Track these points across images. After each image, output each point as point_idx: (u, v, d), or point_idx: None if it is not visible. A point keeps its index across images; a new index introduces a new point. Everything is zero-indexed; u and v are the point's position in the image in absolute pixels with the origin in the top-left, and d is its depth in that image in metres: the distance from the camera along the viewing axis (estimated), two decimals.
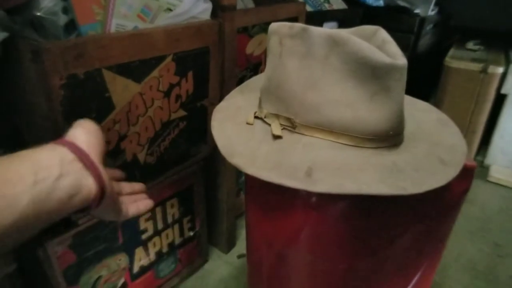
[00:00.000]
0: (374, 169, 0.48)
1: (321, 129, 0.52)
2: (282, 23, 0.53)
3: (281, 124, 0.55)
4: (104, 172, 0.42)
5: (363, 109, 0.50)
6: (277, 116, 0.55)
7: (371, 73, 0.48)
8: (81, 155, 0.40)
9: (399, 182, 0.46)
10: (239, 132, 0.56)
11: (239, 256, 1.10)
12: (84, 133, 0.44)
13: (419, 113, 0.64)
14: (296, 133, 0.54)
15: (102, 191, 0.41)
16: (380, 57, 0.47)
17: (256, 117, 0.58)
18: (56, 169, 0.37)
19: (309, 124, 0.52)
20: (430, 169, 0.49)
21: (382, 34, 0.53)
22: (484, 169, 1.59)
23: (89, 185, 0.40)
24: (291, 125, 0.54)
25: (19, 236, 0.35)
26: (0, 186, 0.32)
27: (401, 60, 0.48)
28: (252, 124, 0.57)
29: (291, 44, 0.52)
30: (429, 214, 0.60)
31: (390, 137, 0.52)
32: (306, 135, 0.53)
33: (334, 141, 0.52)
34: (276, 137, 0.54)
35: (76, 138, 0.42)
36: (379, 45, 0.51)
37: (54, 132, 0.58)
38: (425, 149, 0.53)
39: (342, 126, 0.51)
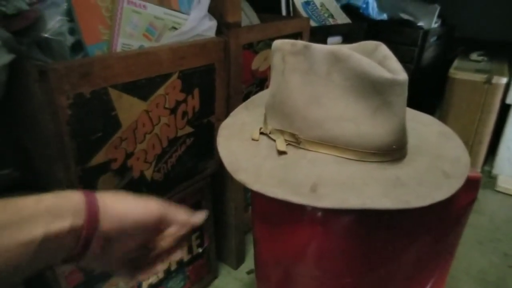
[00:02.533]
0: (378, 183, 0.48)
1: (325, 144, 0.52)
2: (285, 40, 0.54)
3: (286, 140, 0.55)
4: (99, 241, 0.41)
5: (366, 124, 0.50)
6: (281, 132, 0.55)
7: (372, 89, 0.48)
8: (88, 226, 0.39)
9: (402, 196, 0.46)
10: (245, 148, 0.56)
11: (249, 272, 1.10)
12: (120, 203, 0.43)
13: (422, 126, 0.63)
14: (301, 148, 0.54)
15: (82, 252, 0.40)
16: (381, 72, 0.48)
17: (261, 133, 0.58)
18: (62, 239, 0.37)
19: (313, 140, 0.52)
20: (434, 182, 0.49)
21: (383, 49, 0.53)
22: (492, 179, 1.58)
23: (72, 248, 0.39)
24: (296, 141, 0.54)
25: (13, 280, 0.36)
26: (10, 250, 0.33)
27: (402, 75, 0.48)
28: (257, 140, 0.57)
29: (294, 61, 0.52)
30: (435, 226, 0.59)
31: (393, 151, 0.52)
32: (310, 150, 0.53)
33: (338, 156, 0.52)
34: (281, 153, 0.54)
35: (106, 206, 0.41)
36: (380, 61, 0.51)
37: (61, 151, 0.58)
38: (428, 162, 0.53)
39: (346, 141, 0.51)
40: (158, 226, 0.45)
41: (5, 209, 0.35)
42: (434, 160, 0.53)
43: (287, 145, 0.54)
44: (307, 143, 0.53)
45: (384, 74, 0.47)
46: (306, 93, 0.52)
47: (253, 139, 0.58)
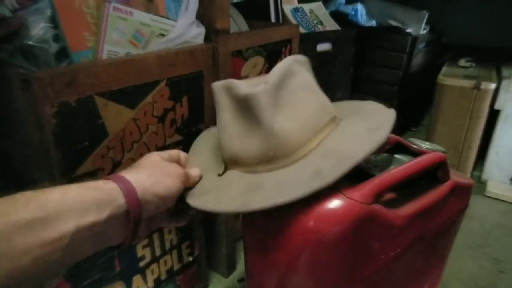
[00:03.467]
0: (235, 189, 0.55)
1: (233, 161, 0.60)
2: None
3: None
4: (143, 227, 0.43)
5: (247, 138, 0.57)
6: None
7: (242, 106, 0.56)
8: (132, 210, 0.40)
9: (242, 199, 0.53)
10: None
11: (240, 280, 1.09)
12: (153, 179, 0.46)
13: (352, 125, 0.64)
14: (229, 169, 0.62)
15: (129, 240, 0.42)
16: (241, 90, 0.55)
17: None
18: (97, 228, 0.36)
19: (226, 159, 0.62)
20: (296, 183, 0.52)
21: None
22: (481, 185, 1.58)
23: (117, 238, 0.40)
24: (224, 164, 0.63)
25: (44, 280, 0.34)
26: (35, 249, 0.32)
27: (259, 87, 0.54)
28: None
29: (219, 100, 0.60)
30: (428, 233, 0.59)
31: (275, 159, 0.56)
32: (230, 169, 0.61)
33: (241, 172, 0.59)
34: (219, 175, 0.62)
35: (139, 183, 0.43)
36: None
37: (46, 161, 0.57)
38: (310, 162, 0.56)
39: (240, 157, 0.58)
40: None
41: (27, 205, 0.33)
42: (319, 159, 0.55)
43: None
44: (226, 163, 0.62)
45: (242, 90, 0.55)
46: (219, 123, 0.61)
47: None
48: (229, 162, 0.61)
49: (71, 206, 0.35)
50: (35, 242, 0.32)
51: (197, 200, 0.56)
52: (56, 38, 0.59)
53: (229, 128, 0.59)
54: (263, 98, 0.54)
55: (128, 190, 0.40)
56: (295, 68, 0.58)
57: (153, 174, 0.47)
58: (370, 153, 0.51)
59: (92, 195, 0.37)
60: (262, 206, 0.49)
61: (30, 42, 0.57)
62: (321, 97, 0.61)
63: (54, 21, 0.58)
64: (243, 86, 0.56)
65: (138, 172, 0.47)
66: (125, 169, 0.51)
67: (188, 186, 0.57)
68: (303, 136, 0.56)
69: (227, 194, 0.55)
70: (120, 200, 0.39)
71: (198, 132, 0.82)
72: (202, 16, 0.77)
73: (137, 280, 0.84)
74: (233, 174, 0.60)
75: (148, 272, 0.86)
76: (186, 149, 0.80)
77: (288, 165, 0.56)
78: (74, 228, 0.34)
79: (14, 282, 0.31)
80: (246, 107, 0.55)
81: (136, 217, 0.40)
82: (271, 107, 0.55)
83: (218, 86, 0.60)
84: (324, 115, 0.59)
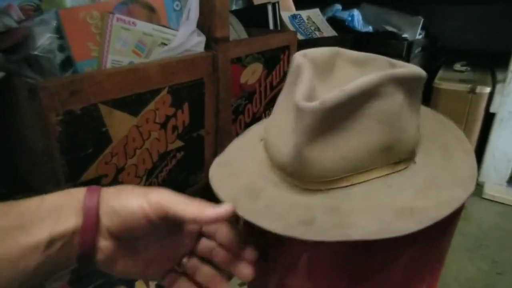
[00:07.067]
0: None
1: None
2: None
3: None
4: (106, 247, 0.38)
5: (281, 137, 0.49)
6: None
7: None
8: (86, 222, 0.36)
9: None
10: None
11: (241, 285, 1.09)
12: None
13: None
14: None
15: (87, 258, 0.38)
16: (297, 96, 0.45)
17: None
18: (67, 237, 0.35)
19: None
20: None
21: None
22: (478, 187, 1.59)
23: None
24: None
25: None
26: (13, 253, 0.32)
27: (312, 103, 0.44)
28: None
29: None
30: (425, 235, 0.60)
31: (293, 176, 0.49)
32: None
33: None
34: None
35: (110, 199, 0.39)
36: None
37: (51, 168, 0.58)
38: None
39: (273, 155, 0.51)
40: (168, 221, 0.41)
41: (7, 214, 0.33)
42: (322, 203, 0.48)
43: None
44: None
45: (297, 98, 0.44)
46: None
47: None
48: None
49: (46, 214, 0.35)
50: (14, 249, 0.32)
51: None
52: (61, 48, 0.60)
53: (279, 118, 0.50)
54: (309, 118, 0.44)
55: (91, 196, 0.38)
56: (385, 90, 0.44)
57: (121, 189, 0.41)
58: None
59: (65, 201, 0.37)
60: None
61: (36, 52, 0.58)
62: (393, 135, 0.47)
63: (59, 31, 0.60)
64: (306, 88, 0.45)
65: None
66: None
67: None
68: (334, 172, 0.47)
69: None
70: (78, 206, 0.37)
71: (198, 138, 0.84)
72: (202, 25, 0.78)
73: (139, 284, 0.85)
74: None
75: None
76: (186, 155, 0.81)
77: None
78: (48, 236, 0.34)
79: None
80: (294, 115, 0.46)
81: (89, 222, 0.36)
82: (313, 130, 0.45)
83: (299, 55, 0.51)
84: (383, 156, 0.47)
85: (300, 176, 0.48)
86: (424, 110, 0.61)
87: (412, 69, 0.47)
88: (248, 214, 0.47)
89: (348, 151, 0.45)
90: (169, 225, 0.42)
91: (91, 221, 0.37)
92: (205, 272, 0.46)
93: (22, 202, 0.35)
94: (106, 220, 0.38)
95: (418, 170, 0.50)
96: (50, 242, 0.34)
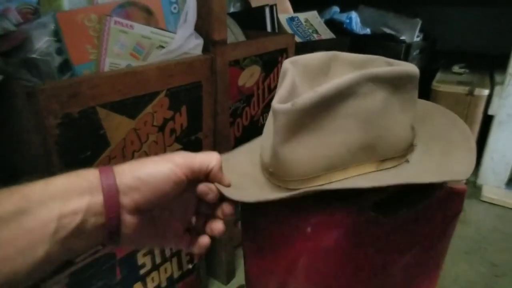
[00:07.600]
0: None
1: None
2: None
3: None
4: (130, 219, 0.38)
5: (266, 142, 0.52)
6: None
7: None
8: (109, 199, 0.36)
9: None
10: None
11: (239, 287, 1.09)
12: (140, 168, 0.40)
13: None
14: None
15: (114, 235, 0.38)
16: (276, 99, 0.47)
17: None
18: (79, 216, 0.34)
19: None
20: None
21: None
22: (477, 189, 1.60)
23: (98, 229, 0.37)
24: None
25: (34, 278, 0.33)
26: (20, 239, 0.31)
27: (286, 105, 0.45)
28: None
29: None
30: (423, 238, 0.60)
31: (274, 175, 0.51)
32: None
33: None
34: None
35: (124, 173, 0.38)
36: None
37: (49, 171, 0.58)
38: None
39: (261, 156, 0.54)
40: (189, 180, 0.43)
41: (10, 198, 0.33)
42: None
43: None
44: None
45: (275, 100, 0.46)
46: None
47: None
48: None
49: (54, 194, 0.34)
50: (20, 233, 0.31)
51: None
52: (59, 51, 0.60)
53: (269, 122, 0.52)
54: (282, 119, 0.45)
55: (107, 174, 0.37)
56: (362, 89, 0.45)
57: (139, 161, 0.41)
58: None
59: (74, 182, 0.36)
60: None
61: (34, 55, 0.58)
62: (374, 134, 0.47)
63: (57, 35, 0.60)
64: (285, 91, 0.47)
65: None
66: None
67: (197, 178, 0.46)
68: (311, 170, 0.48)
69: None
70: (96, 185, 0.36)
71: (196, 141, 0.84)
72: (200, 28, 0.78)
73: (138, 286, 0.85)
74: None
75: (148, 279, 0.87)
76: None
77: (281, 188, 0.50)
78: (58, 215, 0.33)
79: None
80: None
81: (112, 200, 0.36)
82: (287, 131, 0.46)
83: (287, 61, 0.52)
84: (364, 154, 0.48)
85: (279, 175, 0.49)
86: (433, 106, 0.62)
87: (396, 68, 0.47)
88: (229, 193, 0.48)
89: (324, 149, 0.46)
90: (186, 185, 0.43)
91: (114, 199, 0.36)
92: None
93: (26, 187, 0.34)
94: (130, 195, 0.38)
95: (407, 168, 0.50)
96: (60, 219, 0.33)
